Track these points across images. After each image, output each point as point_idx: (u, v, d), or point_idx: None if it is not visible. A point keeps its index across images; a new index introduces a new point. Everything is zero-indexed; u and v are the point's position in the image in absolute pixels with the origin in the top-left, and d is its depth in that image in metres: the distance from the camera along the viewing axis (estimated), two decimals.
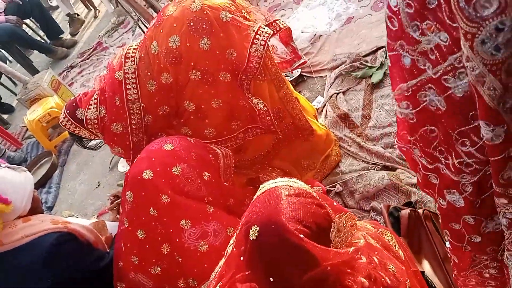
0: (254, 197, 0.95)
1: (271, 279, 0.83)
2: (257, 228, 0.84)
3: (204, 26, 1.64)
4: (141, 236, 1.40)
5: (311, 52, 3.02)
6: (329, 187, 2.04)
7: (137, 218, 1.41)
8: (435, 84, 0.76)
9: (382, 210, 1.61)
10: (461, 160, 0.81)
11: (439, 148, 0.85)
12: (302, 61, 2.22)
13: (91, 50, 5.08)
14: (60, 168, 3.55)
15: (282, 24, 1.94)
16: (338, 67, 2.72)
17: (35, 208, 1.70)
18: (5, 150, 3.83)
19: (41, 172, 3.50)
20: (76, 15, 5.80)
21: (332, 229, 0.88)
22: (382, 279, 0.91)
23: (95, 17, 5.79)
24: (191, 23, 1.65)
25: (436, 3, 0.67)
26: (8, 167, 1.68)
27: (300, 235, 0.81)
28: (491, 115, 0.68)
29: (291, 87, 2.11)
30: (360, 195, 1.90)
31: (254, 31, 1.71)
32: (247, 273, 0.89)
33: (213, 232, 1.39)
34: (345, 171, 2.09)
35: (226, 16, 1.67)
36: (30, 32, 5.65)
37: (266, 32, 1.72)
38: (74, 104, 1.84)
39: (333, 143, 2.21)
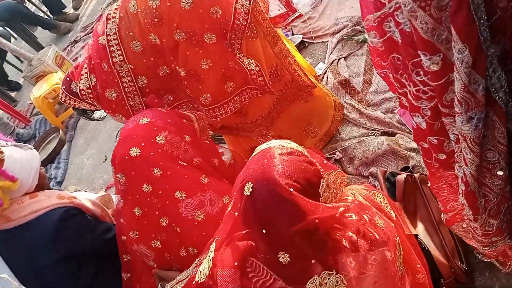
0: (250, 158, 0.99)
1: (264, 231, 0.89)
2: (251, 184, 0.90)
3: None
4: (138, 213, 1.44)
5: (312, 17, 2.97)
6: (329, 155, 2.06)
7: (132, 197, 1.44)
8: (392, 18, 0.86)
9: (378, 176, 1.62)
10: (418, 88, 0.91)
11: (404, 75, 0.95)
12: (297, 14, 2.14)
13: (94, 23, 5.05)
14: (68, 143, 3.61)
15: None
16: (340, 31, 2.68)
17: (42, 185, 1.75)
18: (14, 127, 3.90)
19: (50, 148, 3.57)
20: None
21: (321, 184, 0.92)
22: (371, 234, 0.95)
23: None
24: None
25: None
26: (14, 145, 1.70)
27: (290, 189, 0.86)
28: (427, 46, 0.78)
29: (287, 43, 2.04)
30: (359, 162, 1.91)
31: None
32: (244, 232, 0.95)
33: (209, 201, 1.42)
34: (345, 137, 2.09)
35: None
36: (33, 9, 5.62)
37: None
38: (67, 78, 1.82)
39: (333, 107, 2.19)
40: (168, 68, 1.75)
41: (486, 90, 0.79)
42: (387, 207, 1.10)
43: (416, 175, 1.56)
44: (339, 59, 2.51)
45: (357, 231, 0.94)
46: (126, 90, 1.74)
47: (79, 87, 1.76)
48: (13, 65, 5.30)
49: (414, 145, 1.80)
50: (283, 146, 0.97)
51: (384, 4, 0.87)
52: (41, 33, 5.75)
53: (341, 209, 0.93)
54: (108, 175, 3.03)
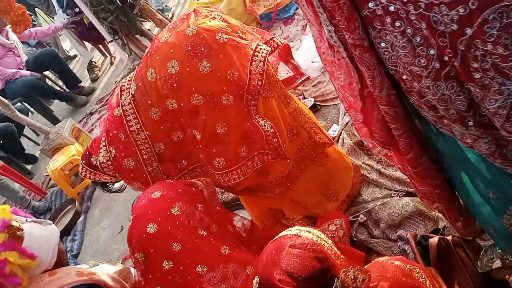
0: (268, 244, 1.01)
1: None
2: (258, 279, 0.93)
3: (203, 49, 1.61)
4: None
5: (322, 81, 3.03)
6: (353, 218, 2.00)
7: (152, 276, 1.40)
8: None
9: (409, 240, 1.56)
10: None
11: None
12: (304, 77, 2.18)
13: (109, 95, 5.20)
14: (83, 214, 3.59)
15: (280, 41, 1.90)
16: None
17: (61, 261, 1.71)
18: (30, 200, 3.91)
19: (66, 220, 3.55)
20: (94, 62, 6.00)
21: (335, 285, 0.89)
22: None
23: (111, 63, 5.97)
24: (189, 48, 1.61)
25: None
26: (34, 221, 1.69)
27: (283, 286, 0.88)
28: None
29: (299, 102, 2.07)
30: (385, 224, 1.86)
31: (252, 48, 1.68)
32: None
33: (233, 274, 1.38)
34: (367, 199, 2.05)
35: (222, 37, 1.64)
36: (49, 83, 5.85)
37: (264, 49, 1.70)
38: (87, 153, 1.85)
39: (352, 169, 2.18)
40: (182, 133, 1.78)
41: None
42: (425, 282, 1.04)
43: (449, 237, 1.50)
44: None
45: None
46: (144, 156, 1.76)
47: (99, 160, 1.79)
48: (30, 139, 5.42)
49: None
50: (298, 236, 0.97)
51: None
52: (57, 106, 5.94)
53: None
54: (125, 245, 2.97)
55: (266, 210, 2.16)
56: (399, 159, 1.30)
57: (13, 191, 3.80)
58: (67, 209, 3.70)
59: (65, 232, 3.45)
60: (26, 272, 1.52)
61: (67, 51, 6.94)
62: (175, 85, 1.63)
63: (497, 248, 1.47)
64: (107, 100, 5.14)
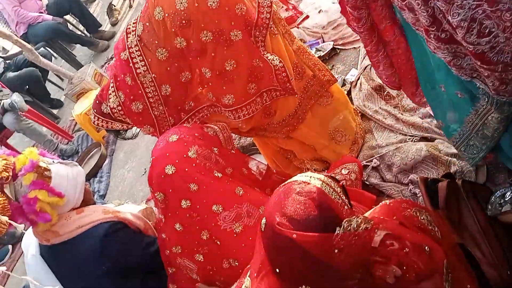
0: (279, 187, 1.03)
1: (277, 270, 0.95)
2: (264, 220, 0.97)
3: None
4: (179, 229, 1.48)
5: (342, 24, 2.95)
6: (366, 162, 2.03)
7: (172, 214, 1.48)
8: None
9: (419, 183, 1.59)
10: None
11: None
12: (304, 15, 2.15)
13: None
14: (109, 157, 3.73)
15: None
16: None
17: (88, 200, 1.82)
18: (57, 144, 4.06)
19: (92, 163, 3.71)
20: (113, 6, 5.95)
21: (336, 232, 0.92)
22: (415, 265, 0.92)
23: (130, 6, 5.91)
24: None
25: None
26: (60, 163, 1.78)
27: (281, 229, 0.92)
28: None
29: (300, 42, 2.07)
30: (397, 169, 1.88)
31: None
32: (268, 268, 1.01)
33: (247, 213, 1.44)
34: (381, 144, 2.06)
35: None
36: (70, 28, 5.86)
37: None
38: (97, 101, 1.86)
39: (353, 112, 2.20)
40: (190, 73, 1.76)
41: None
42: (430, 224, 1.07)
43: (459, 181, 1.52)
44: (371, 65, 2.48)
45: (400, 264, 0.91)
46: (151, 100, 1.74)
47: (109, 106, 1.78)
48: (55, 84, 5.54)
49: (455, 150, 1.76)
50: (307, 183, 0.99)
51: None
52: (79, 51, 5.99)
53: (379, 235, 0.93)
54: (148, 187, 3.10)
55: (276, 150, 2.20)
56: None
57: (41, 135, 3.94)
58: (93, 152, 3.85)
59: (92, 174, 3.62)
60: (55, 209, 1.63)
61: None
62: (184, 22, 1.59)
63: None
64: None
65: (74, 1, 5.37)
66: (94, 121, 1.89)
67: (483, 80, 1.14)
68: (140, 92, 1.72)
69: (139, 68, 1.69)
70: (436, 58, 1.23)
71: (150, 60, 1.69)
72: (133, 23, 1.72)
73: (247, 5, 1.63)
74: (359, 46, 2.70)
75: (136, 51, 1.69)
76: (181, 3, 1.58)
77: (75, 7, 5.39)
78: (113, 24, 5.86)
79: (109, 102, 1.78)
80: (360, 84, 2.41)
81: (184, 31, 1.62)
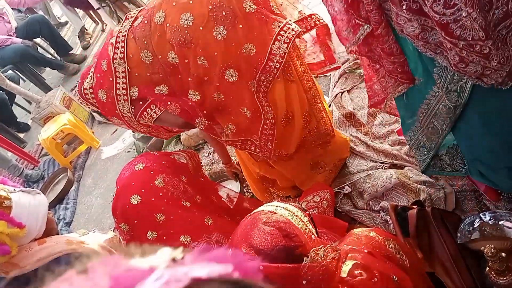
0: (245, 217, 1.01)
1: None
2: (230, 251, 0.94)
3: (224, 13, 1.46)
4: None
5: (314, 51, 3.00)
6: (338, 189, 2.03)
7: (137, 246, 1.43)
8: None
9: (389, 210, 1.59)
10: None
11: None
12: (335, 65, 2.00)
13: None
14: (76, 183, 3.62)
15: (318, 20, 1.73)
16: (342, 65, 2.70)
17: (50, 230, 1.73)
18: (23, 169, 3.92)
19: (58, 189, 3.59)
20: (86, 29, 5.90)
21: (303, 263, 0.91)
22: None
23: (103, 30, 5.87)
24: (210, 7, 1.47)
25: None
26: (22, 191, 1.70)
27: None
28: None
29: (319, 88, 1.97)
30: (369, 195, 1.89)
31: (279, 26, 1.53)
32: None
33: (216, 243, 1.41)
34: (353, 171, 2.08)
35: (250, 6, 1.50)
36: (40, 51, 5.77)
37: (292, 29, 1.54)
38: (80, 80, 1.71)
39: (348, 147, 2.17)
40: (168, 88, 1.63)
41: None
42: (398, 253, 1.07)
43: (429, 209, 1.54)
44: (342, 93, 2.53)
45: None
46: (118, 92, 1.59)
47: (84, 86, 1.66)
48: (22, 107, 5.39)
49: (424, 177, 1.79)
50: (274, 213, 0.98)
51: None
52: (49, 74, 5.88)
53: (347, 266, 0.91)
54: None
55: (256, 177, 2.15)
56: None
57: (5, 160, 3.80)
58: (60, 177, 3.73)
59: (58, 200, 3.49)
60: (14, 241, 1.54)
61: (58, 17, 6.80)
62: (183, 40, 1.49)
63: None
64: None
65: (44, 23, 5.30)
66: (80, 99, 1.74)
67: (445, 57, 1.17)
68: (110, 79, 1.58)
69: (117, 53, 1.56)
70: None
71: (131, 55, 1.56)
72: (138, 12, 1.62)
73: (257, 47, 1.53)
74: (330, 75, 2.75)
75: (122, 36, 1.57)
76: (186, 19, 1.47)
77: (46, 30, 5.32)
78: (85, 48, 5.80)
79: (84, 82, 1.66)
80: (332, 111, 2.44)
81: (182, 49, 1.52)
